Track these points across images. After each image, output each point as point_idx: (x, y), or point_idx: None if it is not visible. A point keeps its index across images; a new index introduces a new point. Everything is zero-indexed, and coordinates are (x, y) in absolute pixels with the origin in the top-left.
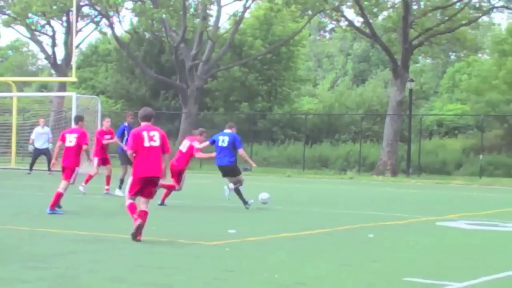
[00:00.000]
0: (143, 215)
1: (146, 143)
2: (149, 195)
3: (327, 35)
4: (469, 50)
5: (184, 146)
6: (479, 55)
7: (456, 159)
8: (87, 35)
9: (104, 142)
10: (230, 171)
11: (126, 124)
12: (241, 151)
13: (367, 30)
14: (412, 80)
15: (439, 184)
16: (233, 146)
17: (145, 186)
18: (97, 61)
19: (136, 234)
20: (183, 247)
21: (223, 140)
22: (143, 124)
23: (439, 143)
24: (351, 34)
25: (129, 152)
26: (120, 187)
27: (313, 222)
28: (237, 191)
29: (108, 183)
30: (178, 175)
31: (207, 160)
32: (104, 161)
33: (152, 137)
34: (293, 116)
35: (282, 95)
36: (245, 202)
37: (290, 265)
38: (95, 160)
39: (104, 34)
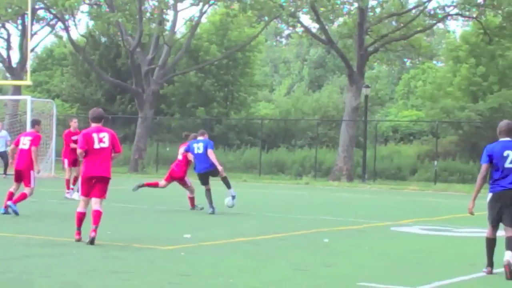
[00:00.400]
0: (96, 215)
1: (96, 145)
2: (100, 195)
3: (284, 40)
4: (424, 57)
5: (180, 154)
6: (434, 62)
7: (411, 165)
8: (42, 39)
9: (72, 146)
10: (211, 174)
11: None
12: (210, 151)
13: (323, 36)
14: (367, 86)
15: (394, 190)
16: (207, 150)
17: (95, 186)
18: (53, 65)
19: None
20: (138, 251)
21: (198, 148)
22: (93, 125)
23: (394, 149)
24: (307, 40)
25: (79, 151)
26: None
27: (268, 227)
28: (208, 193)
29: (72, 184)
30: (180, 182)
31: (163, 165)
32: (74, 163)
33: (102, 139)
34: (249, 121)
35: (239, 100)
36: (211, 205)
37: (245, 270)
38: (66, 162)
39: (60, 37)
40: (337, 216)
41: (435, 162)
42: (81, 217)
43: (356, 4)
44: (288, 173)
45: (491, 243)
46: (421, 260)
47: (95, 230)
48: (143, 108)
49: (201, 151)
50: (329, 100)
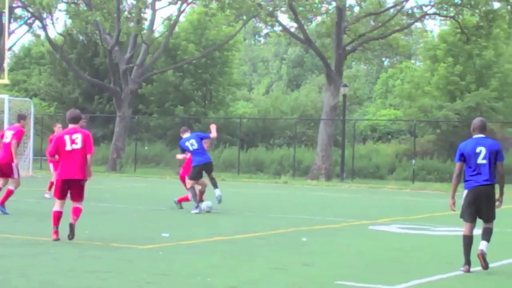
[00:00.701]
0: (77, 209)
1: (68, 147)
2: (77, 198)
3: (262, 39)
4: (402, 56)
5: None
6: (412, 61)
7: (389, 164)
8: (20, 37)
9: None
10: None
11: None
12: (205, 141)
13: (302, 36)
14: (345, 85)
15: (372, 189)
16: (202, 142)
17: (71, 189)
18: (30, 64)
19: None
20: (116, 250)
21: (192, 144)
22: (70, 126)
23: (372, 148)
24: (285, 39)
25: (47, 156)
26: None
27: (247, 226)
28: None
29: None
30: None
31: (141, 164)
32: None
33: (74, 140)
34: (228, 120)
35: (217, 99)
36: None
37: (223, 269)
38: (51, 166)
39: (38, 36)
40: (315, 215)
41: (413, 161)
42: (57, 215)
43: (334, 3)
44: (266, 172)
45: (468, 241)
46: (399, 259)
47: (75, 220)
48: (121, 107)
49: (196, 146)
50: (308, 99)
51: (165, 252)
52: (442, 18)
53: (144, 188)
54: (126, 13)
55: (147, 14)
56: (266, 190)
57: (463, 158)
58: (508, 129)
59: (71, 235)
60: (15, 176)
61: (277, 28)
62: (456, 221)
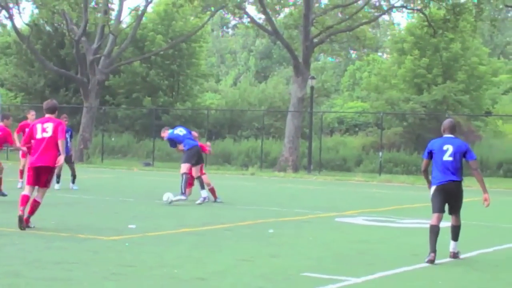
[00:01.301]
0: (34, 205)
1: (39, 135)
2: (44, 184)
3: (230, 31)
4: (369, 49)
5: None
6: (379, 53)
7: (356, 156)
8: None
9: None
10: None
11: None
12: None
13: (269, 27)
14: (313, 78)
15: (339, 181)
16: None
17: (39, 176)
18: None
19: (21, 224)
20: (82, 242)
21: (180, 130)
22: (46, 115)
23: (339, 140)
24: (253, 30)
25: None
26: (57, 182)
27: (213, 218)
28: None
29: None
30: None
31: (108, 155)
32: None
33: (45, 129)
34: (195, 112)
35: (185, 90)
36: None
37: (190, 260)
38: (20, 153)
39: (4, 26)
40: (282, 207)
41: (380, 154)
42: (25, 199)
43: None
44: (234, 164)
45: (435, 229)
46: (365, 251)
47: (28, 218)
48: (89, 98)
49: (185, 131)
50: (275, 91)
51: (132, 244)
52: (409, 11)
53: (111, 179)
54: (93, 3)
55: (115, 4)
56: (233, 182)
57: (430, 155)
58: (474, 122)
59: (23, 226)
60: None
61: (245, 20)
62: (422, 213)
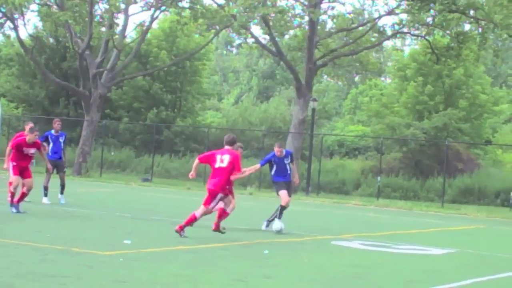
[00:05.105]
0: (220, 213)
1: (217, 164)
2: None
3: (234, 50)
4: (371, 73)
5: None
6: (382, 78)
7: (354, 180)
8: None
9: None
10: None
11: (52, 131)
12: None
13: (273, 48)
14: (315, 100)
15: (337, 204)
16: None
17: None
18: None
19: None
20: (76, 255)
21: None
22: (225, 147)
23: (339, 163)
24: (257, 51)
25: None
26: (45, 195)
27: (210, 236)
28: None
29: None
30: None
31: (107, 169)
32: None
33: (223, 160)
34: (196, 129)
35: (186, 107)
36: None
37: (183, 279)
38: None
39: (8, 37)
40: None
41: (379, 178)
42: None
43: (307, 18)
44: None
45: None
46: (359, 276)
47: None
48: (90, 111)
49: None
50: (277, 111)
51: (126, 259)
52: (414, 37)
53: (109, 194)
54: (98, 17)
55: (120, 19)
56: None
57: None
58: (473, 151)
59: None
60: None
61: (250, 40)
62: (418, 239)
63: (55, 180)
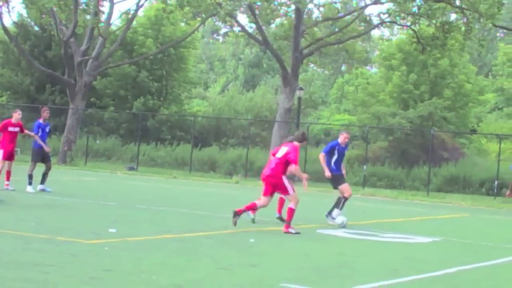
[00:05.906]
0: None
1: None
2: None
3: (220, 38)
4: (358, 62)
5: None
6: (368, 67)
7: None
8: None
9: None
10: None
11: (41, 120)
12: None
13: (260, 37)
14: (301, 89)
15: (323, 192)
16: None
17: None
18: None
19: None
20: (61, 244)
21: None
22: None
23: None
24: (243, 39)
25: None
26: (30, 183)
27: (196, 225)
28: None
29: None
30: None
31: (93, 158)
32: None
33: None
34: (182, 117)
35: (172, 95)
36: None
37: (169, 267)
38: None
39: None
40: (264, 216)
41: (364, 167)
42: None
43: (293, 6)
44: (219, 172)
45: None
46: (344, 264)
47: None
48: (75, 99)
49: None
50: (263, 100)
51: (111, 248)
52: (399, 27)
53: (94, 182)
54: (83, 5)
55: (105, 7)
56: (217, 190)
57: None
58: (458, 140)
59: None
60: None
61: (236, 28)
62: (403, 228)
63: (39, 169)
